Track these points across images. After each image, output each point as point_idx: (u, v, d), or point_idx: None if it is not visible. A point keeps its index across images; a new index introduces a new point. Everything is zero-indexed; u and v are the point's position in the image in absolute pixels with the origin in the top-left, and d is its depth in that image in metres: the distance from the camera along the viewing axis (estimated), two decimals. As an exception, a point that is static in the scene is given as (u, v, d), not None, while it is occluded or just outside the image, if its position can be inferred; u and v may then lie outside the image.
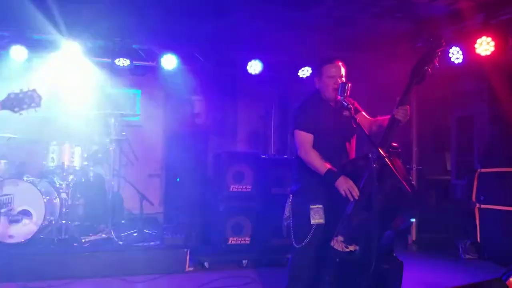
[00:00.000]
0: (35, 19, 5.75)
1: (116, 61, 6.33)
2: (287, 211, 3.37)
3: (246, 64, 6.56)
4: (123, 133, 5.67)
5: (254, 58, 6.52)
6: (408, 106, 3.00)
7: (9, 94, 2.55)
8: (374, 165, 2.91)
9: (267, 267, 4.92)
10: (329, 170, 3.10)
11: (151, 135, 7.13)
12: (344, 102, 3.12)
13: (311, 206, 3.17)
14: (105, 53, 6.46)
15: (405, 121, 3.02)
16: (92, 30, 6.07)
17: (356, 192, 2.97)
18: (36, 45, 6.18)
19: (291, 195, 3.35)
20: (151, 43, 6.48)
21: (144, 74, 6.98)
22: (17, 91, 2.57)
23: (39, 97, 2.60)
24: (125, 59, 6.33)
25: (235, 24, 5.91)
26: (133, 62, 6.40)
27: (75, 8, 5.60)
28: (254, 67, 6.54)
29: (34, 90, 2.60)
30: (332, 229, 3.10)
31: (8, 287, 4.00)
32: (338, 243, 3.05)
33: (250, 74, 6.60)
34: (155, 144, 7.16)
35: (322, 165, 3.12)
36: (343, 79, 3.25)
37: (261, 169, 5.06)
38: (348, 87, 3.15)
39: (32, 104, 2.59)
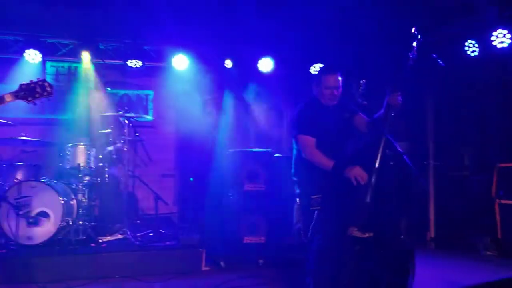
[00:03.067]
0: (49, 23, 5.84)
1: (128, 62, 6.39)
2: (296, 215, 3.52)
3: (257, 62, 6.56)
4: (137, 134, 5.69)
5: (265, 55, 6.51)
6: (399, 92, 3.22)
7: (20, 85, 2.58)
8: (391, 162, 3.04)
9: (283, 267, 4.88)
10: (336, 163, 3.30)
11: (164, 136, 7.15)
12: (358, 99, 3.26)
13: (312, 197, 3.40)
14: (117, 55, 6.53)
15: (398, 107, 3.23)
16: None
17: (365, 177, 3.13)
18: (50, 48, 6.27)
19: (297, 199, 3.61)
20: (162, 43, 6.50)
21: (156, 75, 7.01)
22: (28, 81, 2.58)
23: (51, 86, 2.62)
24: (137, 60, 6.38)
25: (245, 22, 5.90)
26: (145, 63, 6.46)
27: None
28: (266, 64, 6.53)
29: (44, 80, 2.62)
30: (345, 220, 3.23)
31: (27, 288, 4.04)
32: (355, 232, 3.18)
33: (262, 72, 6.60)
34: (168, 144, 7.18)
35: (328, 161, 3.32)
36: (339, 89, 3.51)
37: (275, 167, 5.05)
38: (362, 84, 3.25)
39: (45, 93, 2.60)
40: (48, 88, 2.62)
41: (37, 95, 2.59)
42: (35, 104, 2.64)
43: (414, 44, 3.23)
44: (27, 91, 2.57)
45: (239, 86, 6.87)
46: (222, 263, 4.77)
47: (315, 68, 6.65)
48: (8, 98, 2.53)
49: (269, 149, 5.18)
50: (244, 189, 4.89)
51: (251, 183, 4.91)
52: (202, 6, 5.66)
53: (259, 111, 7.06)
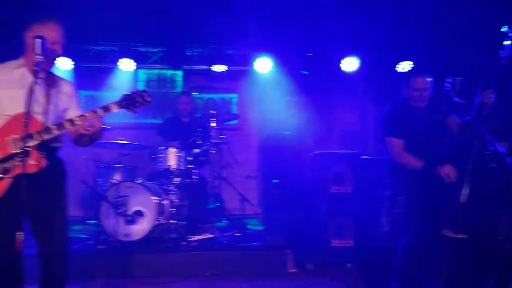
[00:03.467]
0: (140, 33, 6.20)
1: (213, 67, 6.60)
2: (385, 218, 3.73)
3: (340, 62, 6.47)
4: (222, 137, 5.84)
5: (350, 55, 6.40)
6: (491, 90, 3.25)
7: (123, 95, 2.77)
8: (492, 164, 3.02)
9: (372, 271, 4.76)
10: (426, 163, 3.36)
11: (247, 138, 7.29)
12: (453, 98, 3.29)
13: (398, 198, 3.51)
14: (203, 60, 6.78)
15: (490, 105, 3.24)
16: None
17: (454, 173, 3.20)
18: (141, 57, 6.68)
19: (387, 201, 3.68)
20: (245, 48, 6.64)
21: (239, 79, 7.17)
22: (129, 92, 2.76)
23: (149, 96, 2.79)
24: (221, 65, 6.58)
25: (329, 22, 5.84)
26: (229, 67, 6.64)
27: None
28: (350, 64, 6.43)
29: (144, 90, 2.80)
30: (436, 220, 3.29)
31: (125, 283, 4.29)
32: (448, 232, 3.21)
33: (345, 72, 6.50)
34: (251, 146, 7.31)
35: (417, 162, 3.39)
36: (428, 91, 3.53)
37: (361, 169, 4.93)
38: (457, 82, 3.25)
39: (144, 103, 2.78)
40: (147, 98, 2.78)
41: (137, 104, 2.76)
42: (135, 112, 2.82)
43: (507, 42, 3.17)
44: (129, 101, 2.74)
45: (323, 86, 6.81)
46: (308, 266, 4.75)
47: (401, 67, 6.41)
48: (113, 108, 2.72)
49: (356, 151, 5.07)
50: (330, 191, 4.82)
51: (338, 185, 4.83)
52: (285, 8, 5.68)
53: (343, 112, 6.96)
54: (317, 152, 5.14)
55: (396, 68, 6.44)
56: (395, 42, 6.32)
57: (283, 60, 6.59)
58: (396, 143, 3.51)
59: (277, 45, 6.44)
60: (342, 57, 6.42)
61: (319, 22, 5.91)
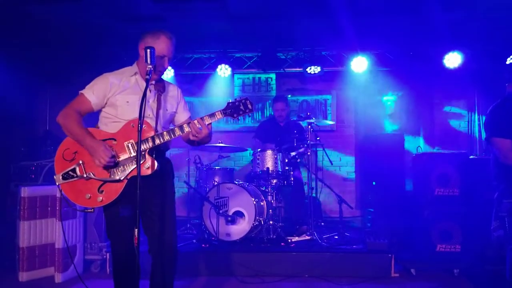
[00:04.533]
0: (235, 39, 6.39)
1: (308, 69, 6.62)
2: (494, 222, 3.38)
3: (443, 58, 6.13)
4: (318, 138, 5.83)
5: (452, 50, 6.05)
6: None
7: (227, 103, 2.88)
8: None
9: (482, 279, 4.45)
10: None
11: (343, 139, 7.19)
12: None
13: (504, 201, 3.26)
14: (296, 63, 6.83)
15: None
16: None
17: None
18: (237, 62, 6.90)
19: (496, 203, 3.37)
20: (340, 48, 6.56)
21: (333, 79, 7.10)
22: (232, 100, 2.86)
23: (252, 104, 2.89)
24: (315, 66, 6.58)
25: (428, 17, 5.56)
26: (323, 68, 6.61)
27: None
28: (452, 60, 6.08)
29: (246, 98, 2.90)
30: None
31: (228, 281, 4.44)
32: None
33: (448, 68, 6.15)
34: (347, 147, 7.20)
35: None
36: None
37: (469, 171, 4.62)
38: None
39: (247, 111, 2.87)
40: (249, 106, 2.88)
41: (241, 112, 2.87)
42: (238, 120, 2.92)
43: None
44: (233, 109, 2.86)
45: (424, 84, 6.50)
46: (412, 271, 4.55)
47: (512, 60, 5.91)
48: (218, 115, 2.85)
49: (463, 151, 4.77)
50: (435, 194, 4.58)
51: (443, 187, 4.58)
52: (379, 4, 5.51)
53: (446, 110, 6.58)
54: (418, 152, 4.92)
55: (507, 62, 5.94)
56: (504, 33, 5.84)
57: (380, 58, 6.41)
58: (503, 144, 3.27)
59: (373, 43, 6.28)
60: (444, 52, 6.08)
61: (417, 17, 5.65)
